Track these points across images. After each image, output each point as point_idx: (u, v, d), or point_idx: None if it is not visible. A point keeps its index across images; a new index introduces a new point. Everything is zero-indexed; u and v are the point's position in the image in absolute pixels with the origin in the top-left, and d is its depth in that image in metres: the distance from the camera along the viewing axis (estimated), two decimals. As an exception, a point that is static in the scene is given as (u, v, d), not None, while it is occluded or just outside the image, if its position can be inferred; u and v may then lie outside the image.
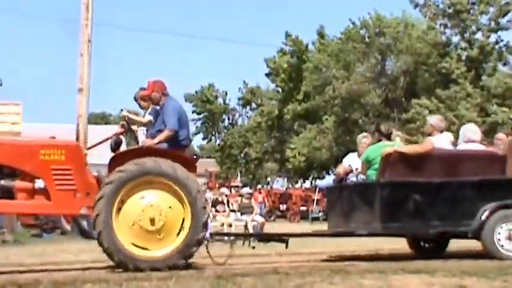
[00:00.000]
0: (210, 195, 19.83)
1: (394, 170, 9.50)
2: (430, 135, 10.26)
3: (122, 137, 10.33)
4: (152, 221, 8.53)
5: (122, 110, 10.28)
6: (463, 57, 39.05)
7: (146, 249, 8.61)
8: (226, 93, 68.90)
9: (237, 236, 10.81)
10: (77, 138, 10.49)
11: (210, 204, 17.61)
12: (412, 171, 9.52)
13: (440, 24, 40.69)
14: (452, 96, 36.39)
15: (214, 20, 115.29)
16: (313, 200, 34.75)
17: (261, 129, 54.67)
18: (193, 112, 68.93)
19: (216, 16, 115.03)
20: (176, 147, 9.26)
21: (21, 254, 11.38)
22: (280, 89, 54.00)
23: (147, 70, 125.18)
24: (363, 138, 11.13)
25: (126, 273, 8.13)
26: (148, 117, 10.11)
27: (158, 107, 9.72)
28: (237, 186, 43.16)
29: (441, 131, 10.32)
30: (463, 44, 40.09)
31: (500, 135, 11.61)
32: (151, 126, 9.85)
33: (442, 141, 10.05)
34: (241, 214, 17.59)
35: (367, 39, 42.57)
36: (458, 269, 7.98)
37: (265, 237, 10.78)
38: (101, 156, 10.35)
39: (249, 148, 59.08)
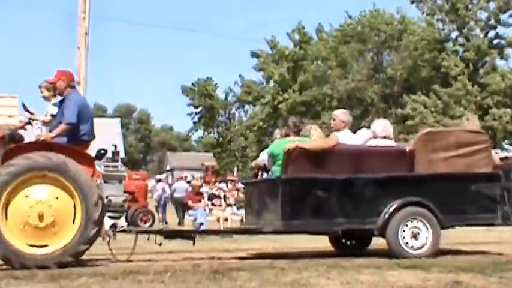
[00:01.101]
0: (206, 190, 19.81)
1: (296, 166, 9.20)
2: (338, 130, 9.81)
3: (24, 131, 9.93)
4: (41, 217, 8.26)
5: (23, 105, 9.88)
6: (461, 54, 39.03)
7: (45, 246, 8.34)
8: (230, 90, 68.81)
9: (141, 232, 10.38)
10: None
11: (207, 198, 17.60)
12: (316, 167, 9.24)
13: (437, 20, 40.66)
14: (452, 94, 36.38)
15: (212, 15, 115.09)
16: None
17: (259, 129, 54.83)
18: (189, 105, 68.90)
19: (214, 11, 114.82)
20: (76, 142, 8.92)
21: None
22: (275, 81, 54.30)
23: (143, 63, 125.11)
24: (278, 134, 10.79)
25: (122, 266, 8.12)
26: (49, 116, 9.72)
27: (61, 98, 9.31)
28: (233, 181, 43.33)
29: (349, 126, 9.97)
30: (461, 40, 40.07)
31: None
32: (55, 120, 9.39)
33: (349, 137, 9.76)
34: (238, 208, 17.58)
35: (362, 36, 42.57)
36: (453, 264, 8.00)
37: (171, 234, 10.23)
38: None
39: (247, 146, 59.35)
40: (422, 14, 41.32)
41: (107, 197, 15.49)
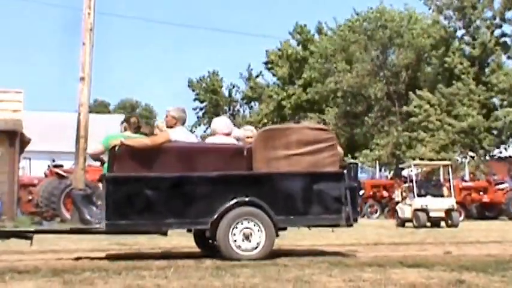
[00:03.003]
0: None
1: (122, 164, 8.70)
2: (171, 127, 9.32)
3: None
4: None
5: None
6: (466, 52, 38.98)
7: None
8: (233, 86, 68.74)
9: None
10: (78, 127, 10.51)
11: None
12: (144, 165, 8.75)
13: (445, 17, 40.61)
14: (455, 93, 36.34)
15: (217, 10, 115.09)
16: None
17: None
18: (195, 100, 68.87)
19: (218, 7, 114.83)
20: None
21: (20, 241, 11.37)
22: (279, 78, 54.39)
23: (148, 58, 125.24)
24: (122, 127, 10.13)
25: (125, 262, 8.15)
26: None
27: None
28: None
29: (183, 123, 9.48)
30: (467, 38, 40.04)
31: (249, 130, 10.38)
32: None
33: (183, 134, 9.30)
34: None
35: (369, 32, 42.56)
36: (457, 263, 8.01)
37: (5, 234, 9.51)
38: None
39: None
40: (429, 9, 41.23)
41: None
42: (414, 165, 23.72)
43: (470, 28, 39.94)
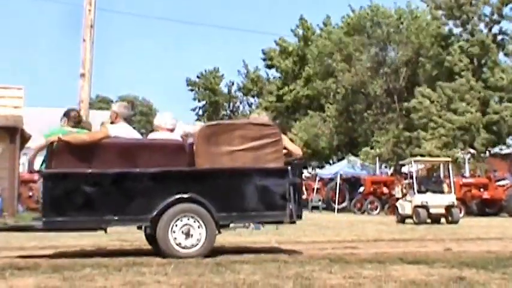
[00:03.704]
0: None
1: (60, 160, 8.50)
2: (113, 122, 9.15)
3: None
4: None
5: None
6: (465, 49, 38.92)
7: None
8: (232, 83, 68.68)
9: None
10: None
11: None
12: (83, 161, 8.54)
13: (442, 15, 40.53)
14: (456, 89, 36.30)
15: (217, 7, 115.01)
16: (313, 188, 34.73)
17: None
18: (194, 99, 68.84)
19: (218, 3, 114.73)
20: None
21: (21, 237, 11.39)
22: (282, 72, 54.46)
23: (148, 55, 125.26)
24: (63, 121, 9.70)
25: (126, 258, 8.16)
26: None
27: None
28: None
29: (125, 119, 9.28)
30: (465, 36, 39.98)
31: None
32: None
33: (125, 130, 9.07)
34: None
35: (368, 29, 42.50)
36: (457, 260, 8.02)
37: None
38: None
39: None
40: (427, 6, 41.10)
41: None
42: (414, 161, 23.73)
43: (468, 25, 39.86)
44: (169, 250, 8.45)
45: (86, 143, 8.61)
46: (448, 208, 20.34)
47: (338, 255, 8.71)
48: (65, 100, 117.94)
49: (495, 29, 39.96)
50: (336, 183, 33.13)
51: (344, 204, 32.97)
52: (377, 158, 35.21)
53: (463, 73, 36.94)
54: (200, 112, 69.64)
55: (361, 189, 31.92)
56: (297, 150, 9.65)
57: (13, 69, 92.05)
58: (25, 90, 21.96)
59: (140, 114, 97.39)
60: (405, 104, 39.19)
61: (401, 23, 41.43)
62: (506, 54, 39.30)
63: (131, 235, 11.74)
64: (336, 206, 32.08)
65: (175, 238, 8.51)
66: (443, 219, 20.32)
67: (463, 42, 39.00)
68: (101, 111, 47.20)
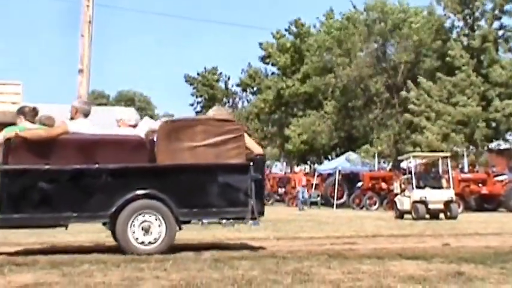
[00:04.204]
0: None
1: (17, 156, 8.34)
2: (73, 118, 9.05)
3: None
4: None
5: None
6: (465, 44, 38.89)
7: None
8: (229, 78, 68.70)
9: None
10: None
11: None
12: (41, 157, 8.39)
13: (444, 8, 40.47)
14: (456, 84, 36.27)
15: (217, 3, 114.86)
16: (312, 184, 34.75)
17: (263, 114, 54.90)
18: (192, 95, 68.86)
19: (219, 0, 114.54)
20: None
21: (19, 233, 11.39)
22: (280, 68, 54.45)
23: (146, 51, 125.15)
24: (19, 119, 9.37)
25: (124, 254, 8.16)
26: None
27: None
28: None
29: (86, 115, 9.14)
30: (466, 31, 39.96)
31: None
32: None
33: (84, 126, 8.88)
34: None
35: (368, 22, 42.44)
36: (455, 255, 8.02)
37: None
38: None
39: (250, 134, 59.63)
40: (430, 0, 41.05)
41: None
42: (413, 157, 23.73)
43: (470, 19, 39.83)
44: (128, 247, 8.40)
45: (43, 138, 8.48)
46: (447, 203, 20.35)
47: (337, 250, 8.71)
48: (64, 96, 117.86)
49: (496, 24, 39.94)
50: (335, 179, 33.15)
51: (343, 200, 33.00)
52: (375, 154, 35.21)
53: (463, 68, 36.89)
54: (198, 108, 69.69)
55: (360, 184, 31.93)
56: (257, 148, 9.54)
57: (11, 65, 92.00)
58: (23, 86, 21.93)
59: (139, 109, 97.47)
60: (403, 93, 38.88)
61: (404, 20, 41.31)
62: (510, 50, 39.29)
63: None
64: (335, 202, 32.11)
65: (134, 234, 8.45)
66: (442, 215, 20.33)
67: (463, 37, 39.01)
68: (97, 107, 47.25)
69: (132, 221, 8.46)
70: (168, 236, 8.55)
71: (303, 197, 30.91)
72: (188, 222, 9.24)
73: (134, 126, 9.20)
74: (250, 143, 9.46)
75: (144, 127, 9.20)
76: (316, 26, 51.89)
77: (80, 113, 9.08)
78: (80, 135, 8.70)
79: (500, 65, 36.94)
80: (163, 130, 8.86)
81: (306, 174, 38.85)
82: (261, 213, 9.10)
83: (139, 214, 8.51)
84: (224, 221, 13.32)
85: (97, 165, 8.52)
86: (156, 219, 8.55)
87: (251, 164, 8.98)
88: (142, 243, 8.47)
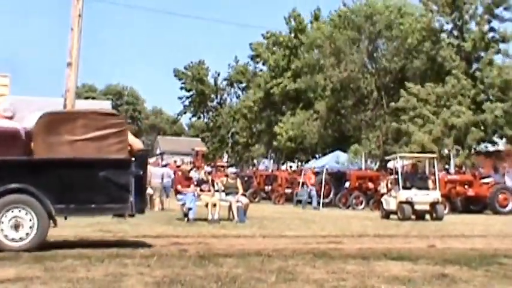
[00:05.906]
0: (196, 175, 19.71)
1: None
2: None
3: None
4: None
5: None
6: (455, 46, 38.95)
7: None
8: (218, 74, 68.70)
9: None
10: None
11: (195, 183, 17.51)
12: None
13: (431, 11, 40.52)
14: (447, 92, 36.33)
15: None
16: (299, 182, 34.68)
17: (251, 112, 54.87)
18: (181, 89, 68.84)
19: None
20: None
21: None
22: (270, 67, 54.42)
23: (136, 45, 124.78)
24: None
25: (109, 249, 8.10)
26: None
27: None
28: (222, 166, 43.24)
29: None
30: (456, 33, 40.03)
31: None
32: None
33: None
34: (227, 194, 17.49)
35: (357, 22, 42.42)
36: (441, 257, 8.03)
37: None
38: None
39: (236, 134, 59.69)
40: (419, 1, 41.04)
41: None
42: (400, 157, 23.74)
43: (460, 22, 39.89)
44: None
45: None
46: (433, 204, 20.36)
47: (322, 250, 8.70)
48: (52, 90, 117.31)
49: (485, 28, 40.01)
50: (322, 178, 33.11)
51: (329, 199, 32.95)
52: (363, 153, 35.20)
53: (453, 71, 36.93)
54: (187, 102, 69.66)
55: (347, 184, 31.89)
56: (137, 143, 9.37)
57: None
58: (11, 78, 21.81)
59: (126, 103, 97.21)
60: (393, 104, 39.00)
61: (395, 21, 41.31)
62: (498, 52, 39.35)
63: (114, 226, 11.68)
64: (321, 200, 32.06)
65: (2, 230, 8.15)
66: (427, 216, 20.35)
67: (453, 40, 39.07)
68: (87, 101, 47.09)
69: (1, 217, 8.16)
70: (39, 233, 8.26)
71: (310, 196, 30.58)
72: (66, 217, 8.97)
73: (10, 118, 8.80)
74: (131, 137, 9.19)
75: (34, 119, 8.78)
76: (309, 21, 51.94)
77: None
78: None
79: (491, 68, 37.01)
80: (41, 122, 8.52)
81: (293, 172, 38.82)
82: (141, 211, 8.90)
83: (10, 209, 8.19)
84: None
85: None
86: (28, 215, 8.22)
87: (133, 159, 8.77)
88: (11, 239, 8.16)
